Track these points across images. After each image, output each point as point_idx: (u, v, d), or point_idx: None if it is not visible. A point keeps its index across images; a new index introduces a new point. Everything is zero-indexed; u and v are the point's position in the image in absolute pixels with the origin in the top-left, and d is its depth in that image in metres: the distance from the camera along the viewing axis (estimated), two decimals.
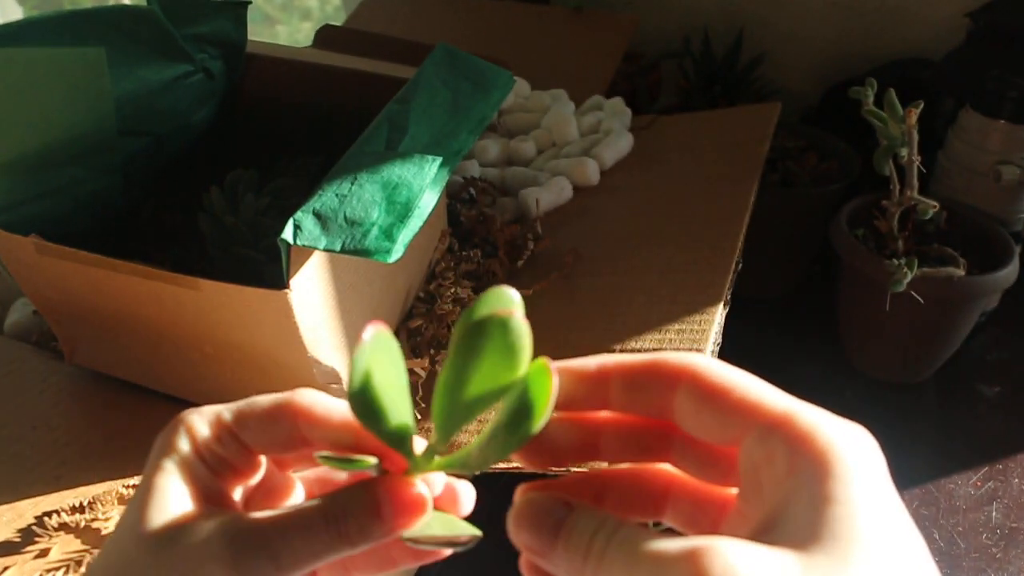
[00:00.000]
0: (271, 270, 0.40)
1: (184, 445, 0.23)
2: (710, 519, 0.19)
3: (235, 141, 0.57)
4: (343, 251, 0.34)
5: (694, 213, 0.53)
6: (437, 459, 0.22)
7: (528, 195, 0.58)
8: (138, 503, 0.22)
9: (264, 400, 0.23)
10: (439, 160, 0.37)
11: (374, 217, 0.35)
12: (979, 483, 0.57)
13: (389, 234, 0.34)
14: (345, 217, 0.35)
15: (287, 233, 0.34)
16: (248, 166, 0.50)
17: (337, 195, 0.35)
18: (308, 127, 0.56)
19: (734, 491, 0.22)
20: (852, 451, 0.19)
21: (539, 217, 0.56)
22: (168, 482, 0.22)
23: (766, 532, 0.18)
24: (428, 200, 0.37)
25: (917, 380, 0.66)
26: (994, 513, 0.55)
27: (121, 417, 0.46)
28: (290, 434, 0.23)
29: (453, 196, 0.59)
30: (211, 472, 0.23)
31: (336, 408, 0.23)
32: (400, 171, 0.37)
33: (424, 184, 0.36)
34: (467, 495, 0.25)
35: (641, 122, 0.68)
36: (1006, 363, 0.67)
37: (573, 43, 0.79)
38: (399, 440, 0.21)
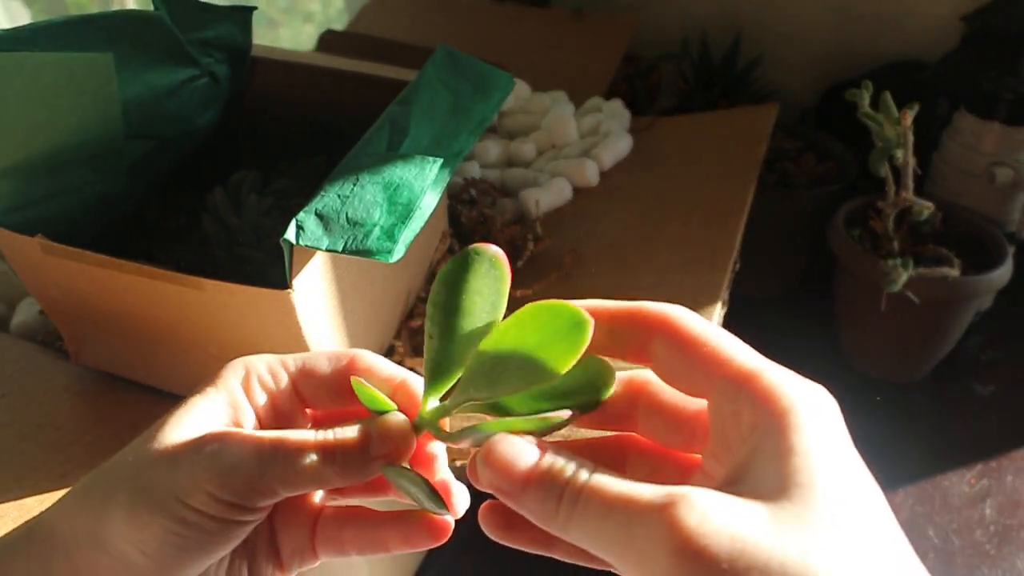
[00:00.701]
0: (274, 270, 0.40)
1: (235, 381, 0.24)
2: (672, 483, 0.20)
3: (238, 143, 0.57)
4: (345, 251, 0.35)
5: (692, 214, 0.54)
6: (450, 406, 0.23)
7: (528, 196, 0.58)
8: (165, 417, 0.23)
9: (325, 355, 0.24)
10: (440, 161, 0.38)
11: (376, 218, 0.35)
12: (973, 481, 0.57)
13: (391, 234, 0.35)
14: (347, 218, 0.35)
15: (290, 234, 0.34)
16: (251, 168, 0.50)
17: (339, 196, 0.36)
18: (310, 129, 0.56)
19: (697, 456, 0.23)
20: (813, 406, 0.20)
21: (539, 218, 0.57)
22: (202, 405, 0.23)
23: (733, 484, 0.18)
24: (429, 201, 0.37)
25: (912, 379, 0.66)
26: (988, 510, 0.55)
27: (127, 416, 0.46)
28: (346, 390, 0.23)
29: (454, 197, 0.59)
30: (255, 413, 0.24)
31: (394, 372, 0.24)
32: (401, 172, 0.37)
33: (425, 185, 0.37)
34: (461, 494, 0.25)
35: (640, 123, 0.68)
36: (1000, 362, 0.68)
37: (573, 45, 0.80)
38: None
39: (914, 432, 0.62)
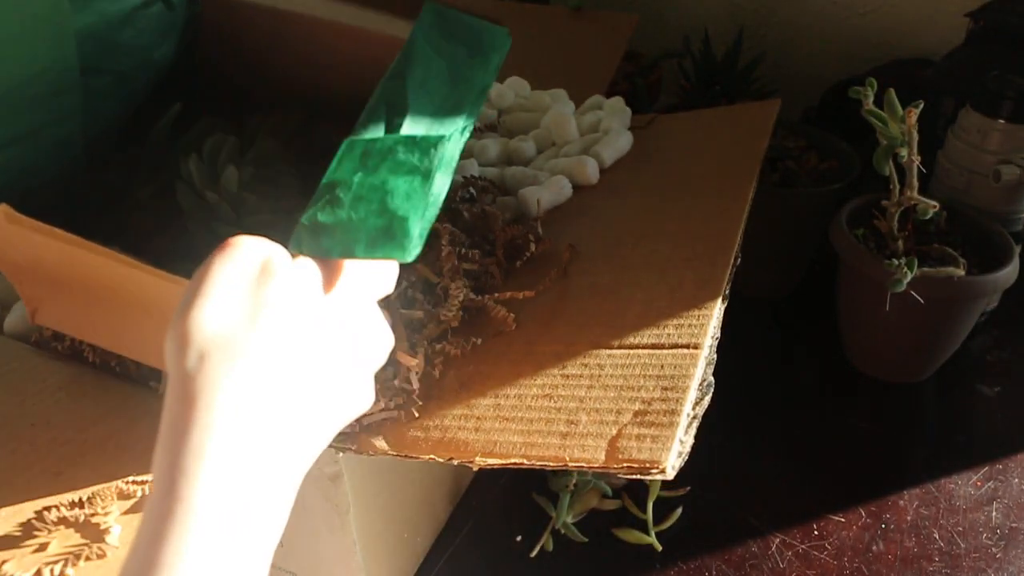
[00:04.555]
0: None
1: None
2: None
3: (197, 86, 0.52)
4: (357, 257, 0.32)
5: (693, 210, 0.53)
6: None
7: (529, 194, 0.58)
8: None
9: None
10: (446, 139, 0.35)
11: (387, 214, 0.33)
12: (979, 483, 0.57)
13: (405, 230, 0.32)
14: (352, 219, 0.32)
15: (294, 245, 0.32)
16: (214, 115, 0.47)
17: (341, 194, 0.33)
18: (278, 77, 0.51)
19: None
20: None
21: (540, 217, 0.56)
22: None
23: None
24: (441, 185, 0.34)
25: (917, 380, 0.66)
26: (994, 513, 0.54)
27: (120, 416, 0.46)
28: None
29: (453, 195, 0.59)
30: None
31: None
32: (406, 157, 0.34)
33: (433, 168, 0.34)
34: None
35: (641, 121, 0.68)
36: (1006, 363, 0.67)
37: (573, 43, 0.79)
38: None
39: (919, 433, 0.62)
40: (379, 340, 0.33)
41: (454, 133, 0.36)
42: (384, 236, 0.32)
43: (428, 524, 0.53)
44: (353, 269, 0.32)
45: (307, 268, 0.30)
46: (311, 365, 0.28)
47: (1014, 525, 0.54)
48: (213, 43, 0.51)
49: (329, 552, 0.46)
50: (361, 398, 0.32)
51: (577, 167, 0.61)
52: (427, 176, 0.34)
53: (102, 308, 0.43)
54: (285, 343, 0.27)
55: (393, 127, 0.36)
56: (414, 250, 0.32)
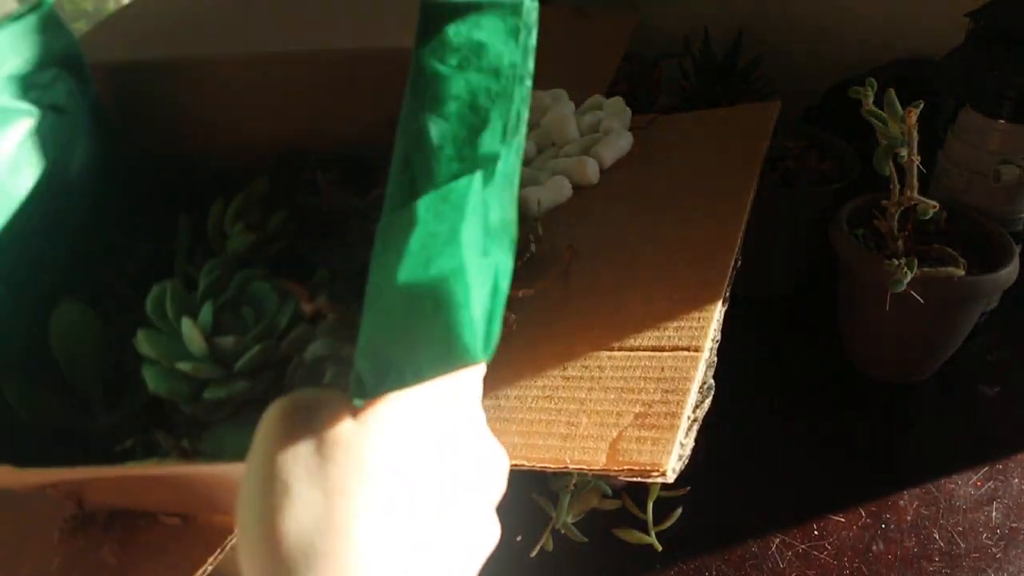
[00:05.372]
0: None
1: None
2: None
3: (132, 179, 0.41)
4: (428, 379, 0.25)
5: (693, 212, 0.53)
6: None
7: (529, 194, 0.58)
8: None
9: None
10: (480, 181, 0.26)
11: (449, 324, 0.25)
12: (979, 483, 0.57)
13: (482, 335, 0.25)
14: (412, 339, 0.25)
15: (356, 394, 0.25)
16: (181, 215, 0.37)
17: (386, 317, 0.25)
18: (211, 132, 0.40)
19: None
20: None
21: (540, 217, 0.56)
22: None
23: None
24: (503, 263, 0.26)
25: (917, 380, 0.66)
26: (994, 513, 0.55)
27: None
28: None
29: None
30: None
31: None
32: (447, 226, 0.25)
33: (478, 239, 0.25)
34: None
35: (641, 121, 0.68)
36: (1006, 363, 0.67)
37: (573, 43, 0.79)
38: None
39: (919, 434, 0.62)
40: (492, 464, 0.27)
41: (488, 170, 0.27)
42: (452, 354, 0.25)
43: None
44: (434, 387, 0.26)
45: (377, 419, 0.24)
46: (412, 540, 0.23)
47: (1014, 525, 0.54)
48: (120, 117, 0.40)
49: None
50: (486, 538, 0.26)
51: (577, 167, 0.61)
52: (479, 256, 0.25)
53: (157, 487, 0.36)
54: (371, 530, 0.22)
55: (415, 189, 0.26)
56: (489, 351, 0.25)
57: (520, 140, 0.27)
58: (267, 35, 0.37)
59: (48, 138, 0.35)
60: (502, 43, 0.28)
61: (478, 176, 0.26)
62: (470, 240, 0.25)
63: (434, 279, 0.24)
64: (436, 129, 0.26)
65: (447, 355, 0.25)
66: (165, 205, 0.31)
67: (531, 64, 0.28)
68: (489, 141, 0.26)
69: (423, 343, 0.24)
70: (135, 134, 0.38)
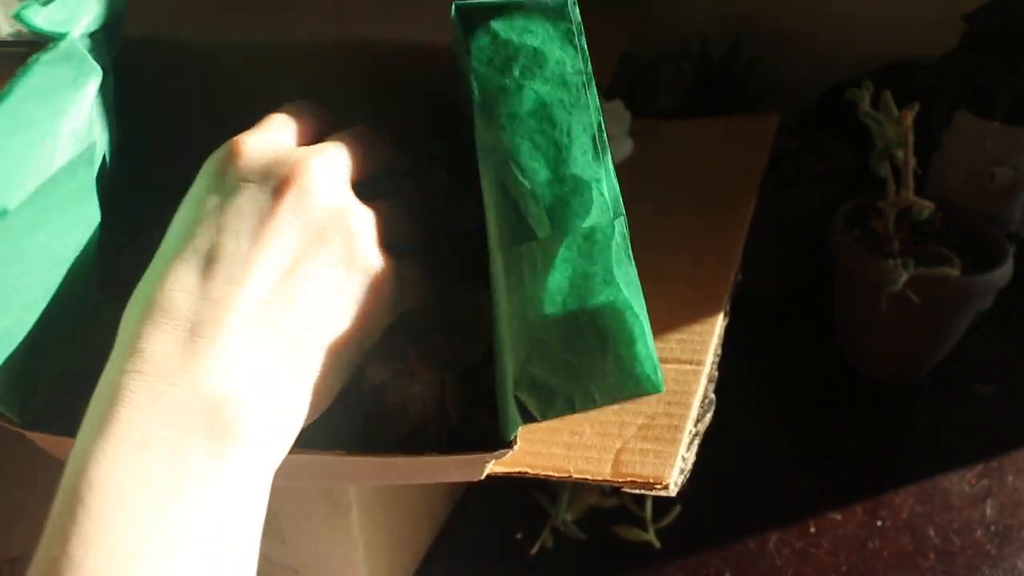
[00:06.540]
0: None
1: None
2: None
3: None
4: (598, 405, 0.25)
5: (693, 224, 0.54)
6: None
7: None
8: None
9: None
10: (622, 224, 0.26)
11: (621, 357, 0.25)
12: (974, 480, 0.57)
13: (643, 356, 0.25)
14: (575, 374, 0.25)
15: (510, 430, 0.26)
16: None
17: (543, 356, 0.25)
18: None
19: None
20: None
21: None
22: None
23: None
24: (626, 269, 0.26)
25: (913, 379, 0.66)
26: (988, 510, 0.55)
27: None
28: None
29: None
30: None
31: None
32: (601, 266, 0.26)
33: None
34: None
35: (641, 127, 0.68)
36: (1001, 362, 0.68)
37: None
38: None
39: (914, 432, 0.62)
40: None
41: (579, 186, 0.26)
42: (617, 377, 0.25)
43: (429, 521, 0.54)
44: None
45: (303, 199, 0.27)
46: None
47: (1008, 522, 0.54)
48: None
49: (331, 549, 0.47)
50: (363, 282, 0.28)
51: None
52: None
53: None
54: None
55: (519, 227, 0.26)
56: (655, 369, 0.25)
57: (610, 160, 0.26)
58: (284, 20, 0.36)
59: (108, 101, 0.33)
60: (559, 48, 0.27)
61: (621, 220, 0.26)
62: (623, 277, 0.26)
63: (592, 313, 0.25)
64: (524, 150, 0.26)
65: (622, 387, 0.25)
66: (173, 194, 0.30)
67: (590, 69, 0.28)
68: (582, 159, 0.26)
69: (592, 374, 0.25)
70: (146, 117, 0.36)
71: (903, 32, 0.82)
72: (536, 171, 0.26)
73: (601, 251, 0.26)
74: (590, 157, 0.26)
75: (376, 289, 0.28)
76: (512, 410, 0.25)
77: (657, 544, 0.52)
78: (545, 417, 0.25)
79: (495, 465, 0.36)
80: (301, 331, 0.26)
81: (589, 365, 0.25)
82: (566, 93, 0.27)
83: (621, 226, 0.26)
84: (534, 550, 0.52)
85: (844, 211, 0.65)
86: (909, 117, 0.54)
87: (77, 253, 0.30)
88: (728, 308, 0.44)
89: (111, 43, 0.34)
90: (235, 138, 0.28)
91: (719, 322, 0.43)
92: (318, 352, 0.26)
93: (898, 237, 0.60)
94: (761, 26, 0.88)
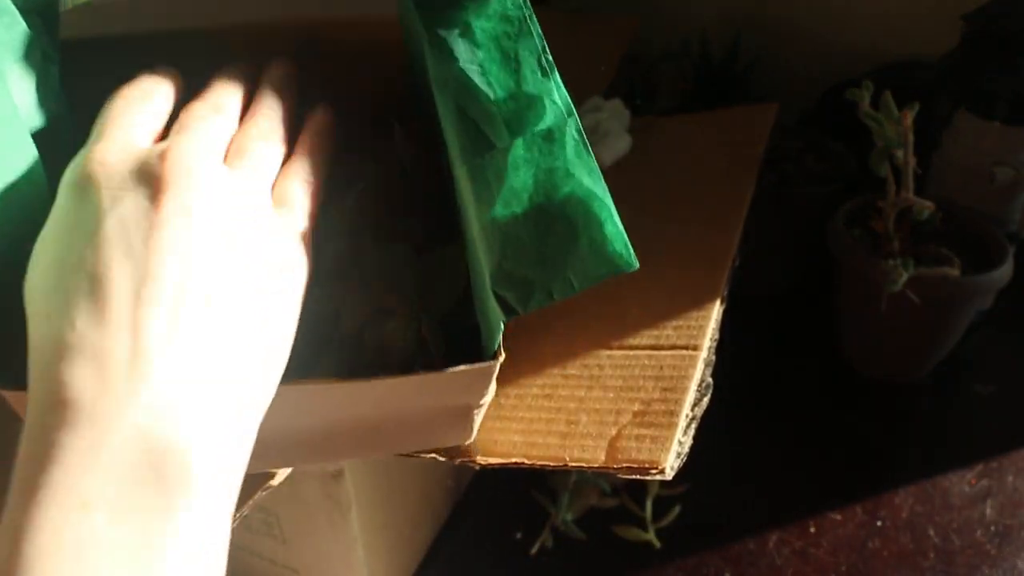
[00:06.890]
0: None
1: None
2: None
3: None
4: (574, 292, 0.27)
5: (692, 212, 0.54)
6: None
7: None
8: None
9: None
10: (574, 124, 0.28)
11: (594, 239, 0.27)
12: (974, 480, 0.57)
13: (613, 235, 0.27)
14: (550, 263, 0.27)
15: (493, 339, 0.28)
16: None
17: (516, 252, 0.27)
18: None
19: None
20: None
21: None
22: None
23: None
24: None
25: (913, 379, 0.66)
26: (988, 510, 0.55)
27: None
28: None
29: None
30: None
31: None
32: (560, 162, 0.27)
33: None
34: None
35: (640, 123, 0.68)
36: (1001, 362, 0.68)
37: (572, 45, 0.80)
38: None
39: (914, 432, 0.62)
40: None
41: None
42: (601, 255, 0.27)
43: (429, 521, 0.54)
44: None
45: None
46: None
47: (1008, 522, 0.54)
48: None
49: (331, 548, 0.47)
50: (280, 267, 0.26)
51: None
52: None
53: None
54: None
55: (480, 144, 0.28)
56: (626, 246, 0.27)
57: (558, 76, 0.29)
58: (230, 4, 0.35)
59: (53, 88, 0.31)
60: None
61: (575, 118, 0.28)
62: (582, 167, 0.27)
63: (559, 204, 0.27)
64: (480, 77, 0.28)
65: (597, 267, 0.27)
66: None
67: (530, 5, 0.30)
68: (531, 78, 0.28)
69: (567, 261, 0.27)
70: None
71: (903, 32, 0.82)
72: (491, 91, 0.28)
73: (560, 148, 0.27)
74: (539, 75, 0.28)
75: (291, 263, 0.26)
76: (493, 309, 0.27)
77: (657, 544, 0.52)
78: (527, 308, 0.27)
79: (491, 458, 0.36)
80: (229, 339, 0.23)
81: (563, 253, 0.27)
82: (509, 26, 0.29)
83: (575, 123, 0.28)
84: (534, 550, 0.52)
85: (844, 211, 0.65)
86: (909, 117, 0.54)
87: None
88: (726, 294, 0.44)
89: (49, 31, 0.32)
90: (90, 149, 0.25)
91: (716, 308, 0.43)
92: (253, 356, 0.24)
93: (898, 237, 0.60)
94: (761, 27, 0.88)
